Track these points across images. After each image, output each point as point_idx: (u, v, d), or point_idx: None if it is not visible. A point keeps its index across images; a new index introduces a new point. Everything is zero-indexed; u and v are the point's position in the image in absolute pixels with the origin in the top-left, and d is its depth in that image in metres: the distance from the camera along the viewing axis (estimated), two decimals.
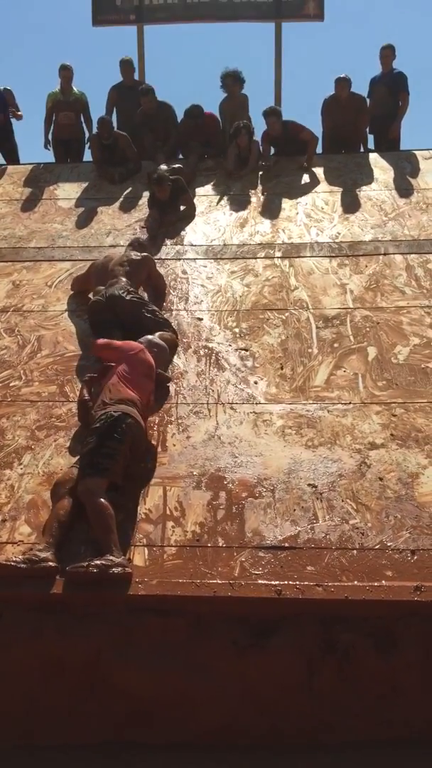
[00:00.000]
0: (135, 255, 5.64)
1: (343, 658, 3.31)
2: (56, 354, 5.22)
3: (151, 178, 6.94)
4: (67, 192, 7.62)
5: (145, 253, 5.78)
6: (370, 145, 8.41)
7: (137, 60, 9.40)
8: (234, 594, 3.36)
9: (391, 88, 8.12)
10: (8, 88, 8.41)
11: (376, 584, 3.38)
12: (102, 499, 3.64)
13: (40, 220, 7.13)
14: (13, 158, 8.58)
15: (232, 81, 8.19)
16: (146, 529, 3.76)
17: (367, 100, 8.16)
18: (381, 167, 7.67)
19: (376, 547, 3.61)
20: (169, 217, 6.85)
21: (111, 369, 4.29)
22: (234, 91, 8.25)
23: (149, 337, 4.74)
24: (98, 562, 3.38)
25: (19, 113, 8.46)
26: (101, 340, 4.64)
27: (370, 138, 8.44)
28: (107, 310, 5.16)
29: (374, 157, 7.92)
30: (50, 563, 3.44)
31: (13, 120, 8.51)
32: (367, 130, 8.33)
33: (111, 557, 3.42)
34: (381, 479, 4.03)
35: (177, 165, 7.38)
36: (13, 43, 23.13)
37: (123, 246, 6.17)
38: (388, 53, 8.11)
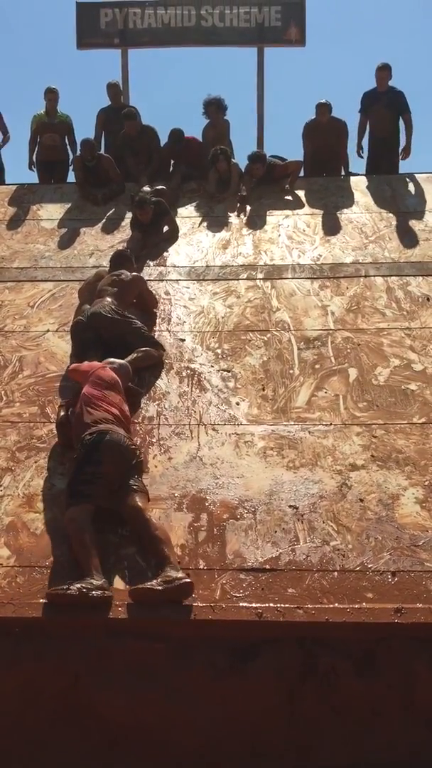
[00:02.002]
0: (125, 276, 5.64)
1: (324, 681, 3.30)
2: (38, 375, 5.21)
3: (134, 201, 6.98)
4: (51, 213, 7.64)
5: (135, 273, 5.80)
6: (358, 163, 8.52)
7: (121, 83, 9.51)
8: (215, 617, 3.34)
9: (392, 109, 8.17)
10: None
11: (356, 606, 3.39)
12: (85, 525, 3.62)
13: (23, 241, 7.14)
14: None
15: (215, 108, 8.30)
16: (127, 551, 3.74)
17: (347, 124, 8.26)
18: (362, 190, 7.78)
19: (357, 568, 3.62)
20: (152, 239, 6.89)
21: (82, 391, 4.29)
22: (217, 118, 8.35)
23: (109, 359, 4.72)
24: (78, 585, 3.35)
25: (7, 135, 8.52)
26: (71, 366, 4.72)
27: (359, 159, 8.56)
28: (89, 330, 5.16)
29: (355, 181, 8.03)
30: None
31: None
32: (365, 149, 8.42)
33: (91, 580, 3.39)
34: (362, 500, 4.05)
35: (160, 187, 7.44)
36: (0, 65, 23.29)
37: (105, 267, 6.17)
38: (384, 74, 8.12)
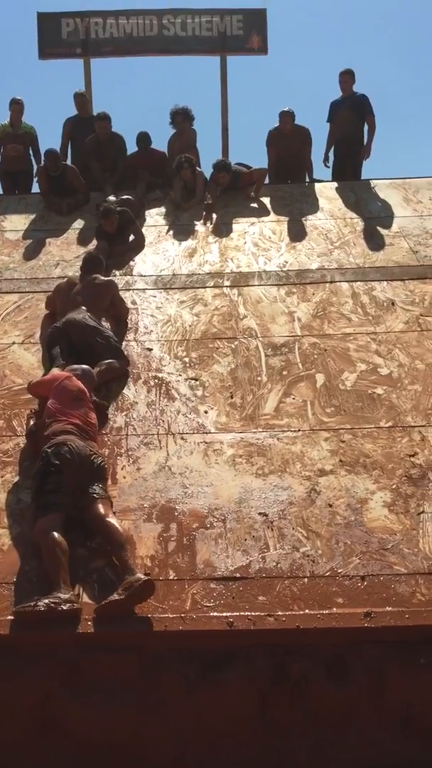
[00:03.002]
0: (98, 281, 5.65)
1: (296, 687, 3.30)
2: (3, 388, 5.15)
3: (99, 211, 6.96)
4: (15, 224, 7.58)
5: (108, 278, 5.80)
6: (323, 171, 8.61)
7: (85, 91, 9.48)
8: (185, 628, 3.33)
9: (355, 111, 8.27)
10: None
11: (327, 612, 3.40)
12: (55, 535, 3.59)
13: None
14: None
15: (182, 118, 8.34)
16: (96, 564, 3.70)
17: (311, 131, 8.35)
18: (326, 197, 7.85)
19: (327, 574, 3.63)
20: (118, 248, 6.87)
21: (47, 402, 4.28)
22: (184, 128, 8.38)
23: (71, 366, 4.72)
24: (46, 600, 3.32)
25: None
26: (32, 381, 4.69)
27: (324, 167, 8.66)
28: (63, 338, 5.14)
29: (320, 187, 8.10)
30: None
31: None
32: (330, 154, 8.50)
33: (59, 594, 3.36)
34: (330, 506, 4.06)
35: (125, 196, 7.43)
36: None
37: (69, 277, 6.14)
38: (347, 78, 8.29)
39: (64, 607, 3.32)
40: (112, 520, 3.74)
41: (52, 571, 3.48)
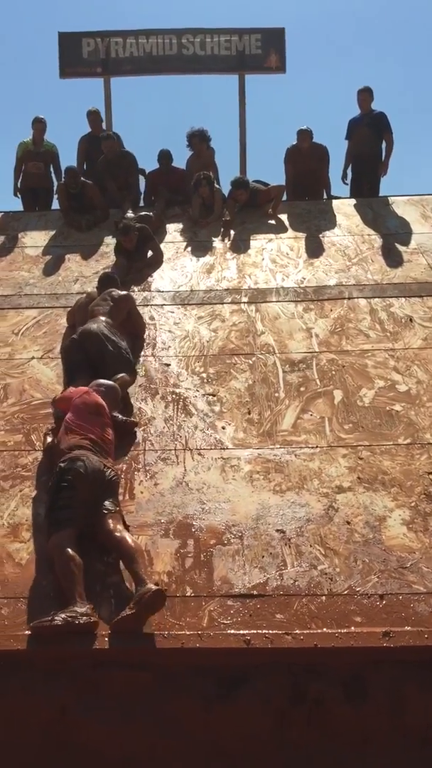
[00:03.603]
0: (115, 293, 5.70)
1: (313, 707, 3.27)
2: (22, 402, 5.19)
3: (118, 227, 7.02)
4: (35, 240, 7.67)
5: (125, 292, 5.85)
6: (341, 188, 8.64)
7: (104, 110, 9.63)
8: (202, 645, 3.31)
9: (373, 128, 8.32)
10: None
11: (345, 631, 3.37)
12: (69, 550, 3.59)
13: (8, 268, 7.16)
14: None
15: (199, 140, 8.42)
16: (113, 579, 3.70)
17: (328, 149, 8.40)
18: (344, 213, 7.87)
19: (345, 592, 3.60)
20: (137, 264, 6.92)
21: (65, 421, 4.30)
22: (201, 149, 8.46)
23: (96, 380, 4.74)
24: (63, 615, 3.32)
25: None
26: (57, 396, 4.71)
27: (341, 180, 8.69)
28: (79, 350, 5.18)
29: (337, 204, 8.13)
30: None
31: None
32: (349, 171, 8.54)
33: (75, 608, 3.36)
34: (348, 523, 4.04)
35: (144, 213, 7.49)
36: None
37: (88, 292, 6.19)
38: (365, 96, 8.35)
39: (81, 621, 3.32)
40: (123, 534, 3.74)
41: (67, 586, 3.49)
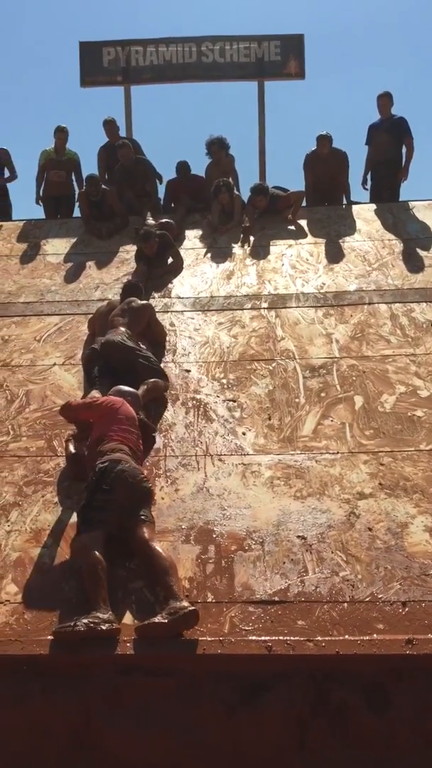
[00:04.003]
0: (135, 303, 5.72)
1: (336, 715, 3.24)
2: (44, 408, 5.23)
3: (138, 234, 7.07)
4: (56, 247, 7.74)
5: (145, 301, 5.87)
6: (360, 194, 8.64)
7: (125, 119, 9.74)
8: (224, 651, 3.30)
9: (393, 133, 8.31)
10: (5, 148, 8.66)
11: (367, 638, 3.34)
12: (96, 553, 3.60)
13: (29, 276, 7.23)
14: (6, 216, 8.75)
15: (218, 147, 8.46)
16: (135, 585, 3.71)
17: (348, 155, 8.39)
18: (364, 219, 7.85)
19: (367, 599, 3.58)
20: (157, 271, 6.95)
21: (95, 425, 4.30)
22: (219, 156, 8.50)
23: (119, 387, 4.75)
24: (85, 620, 3.33)
25: (14, 174, 8.67)
26: (75, 402, 4.64)
27: (360, 186, 8.68)
28: (100, 359, 5.21)
29: (357, 209, 8.11)
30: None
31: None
32: (368, 176, 8.53)
33: (98, 614, 3.37)
34: (370, 529, 4.02)
35: (164, 220, 7.53)
36: (6, 104, 23.79)
37: (109, 300, 6.25)
38: (385, 101, 8.34)
39: (103, 627, 3.32)
40: (157, 545, 3.74)
41: (91, 590, 3.50)
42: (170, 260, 7.12)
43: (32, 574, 3.82)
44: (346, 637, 3.35)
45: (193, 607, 3.40)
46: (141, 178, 8.28)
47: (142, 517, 3.86)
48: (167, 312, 6.38)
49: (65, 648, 3.32)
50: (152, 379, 5.10)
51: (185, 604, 3.40)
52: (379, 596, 3.58)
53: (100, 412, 4.37)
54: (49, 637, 3.38)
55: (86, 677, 3.31)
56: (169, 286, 6.85)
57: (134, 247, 7.31)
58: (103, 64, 9.96)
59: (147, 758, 3.27)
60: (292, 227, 7.76)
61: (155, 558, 3.65)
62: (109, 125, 8.87)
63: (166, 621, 3.33)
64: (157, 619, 3.36)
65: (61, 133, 8.66)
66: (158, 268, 6.99)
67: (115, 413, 4.33)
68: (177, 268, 7.09)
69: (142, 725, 3.27)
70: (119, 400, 4.51)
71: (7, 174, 8.76)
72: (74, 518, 4.11)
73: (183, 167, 8.40)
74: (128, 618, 3.52)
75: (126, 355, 5.20)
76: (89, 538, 3.69)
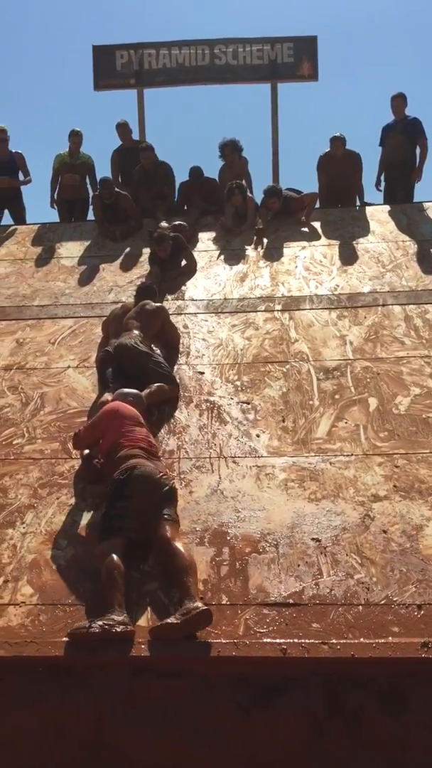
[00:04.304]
0: (148, 306, 5.73)
1: (351, 718, 3.24)
2: (59, 411, 5.25)
3: (152, 236, 7.09)
4: (70, 250, 7.78)
5: (159, 304, 5.89)
6: (374, 195, 8.61)
7: (137, 122, 9.76)
8: (238, 654, 3.30)
9: (407, 134, 8.30)
10: (19, 152, 8.72)
11: (382, 641, 3.33)
12: (114, 557, 3.62)
13: (44, 279, 7.27)
14: (20, 220, 8.81)
15: (231, 150, 8.47)
16: (149, 587, 3.72)
17: (361, 156, 8.38)
18: (377, 220, 7.83)
19: (382, 602, 3.56)
20: (171, 273, 6.97)
21: (105, 435, 4.33)
22: (233, 159, 8.50)
23: (121, 390, 4.75)
24: (100, 623, 3.34)
25: (29, 178, 8.73)
26: (80, 431, 4.57)
27: (374, 191, 8.67)
28: (114, 361, 5.23)
29: (371, 211, 8.09)
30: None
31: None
32: (382, 178, 8.51)
33: (112, 616, 3.38)
34: (385, 532, 4.00)
35: (177, 222, 7.55)
36: (21, 107, 23.94)
37: (124, 303, 6.28)
38: (399, 102, 8.33)
39: (118, 629, 3.33)
40: (179, 544, 3.75)
41: (108, 593, 3.51)
42: (184, 262, 7.14)
43: (47, 576, 3.84)
44: (361, 640, 3.34)
45: (205, 607, 3.40)
46: (160, 181, 8.30)
47: (165, 516, 3.88)
48: (181, 314, 6.39)
49: (80, 649, 3.33)
50: (157, 384, 5.10)
51: (198, 604, 3.41)
52: (394, 599, 3.57)
53: (105, 424, 4.39)
54: (64, 639, 3.39)
55: (101, 678, 3.33)
56: (183, 288, 6.86)
57: (148, 250, 7.33)
58: (116, 67, 9.98)
59: (160, 759, 3.28)
60: (306, 229, 7.76)
61: (175, 557, 3.66)
62: (122, 128, 8.90)
63: (178, 622, 3.34)
64: (170, 620, 3.37)
65: (75, 137, 8.70)
66: (172, 270, 7.01)
67: (118, 417, 4.36)
68: (190, 270, 7.10)
69: (156, 727, 3.27)
70: (117, 403, 4.53)
71: (22, 177, 8.80)
72: (89, 520, 4.13)
73: (195, 171, 8.43)
74: (143, 620, 3.53)
75: (138, 359, 5.21)
76: (109, 545, 3.73)
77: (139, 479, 3.93)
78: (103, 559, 3.64)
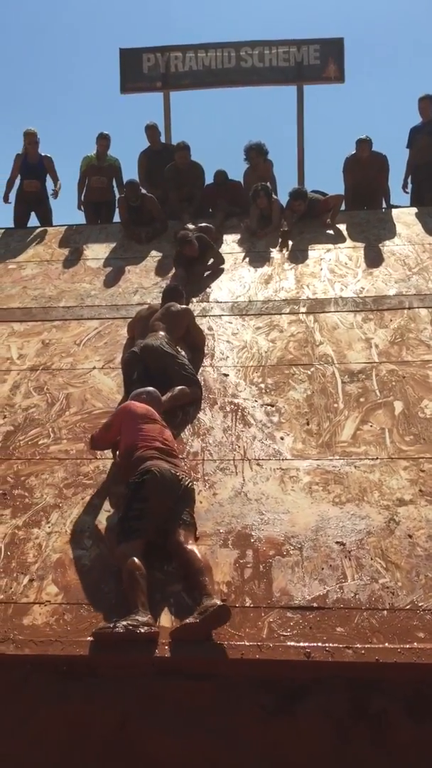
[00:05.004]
0: (174, 308, 5.75)
1: (375, 723, 3.22)
2: (84, 411, 5.29)
3: (176, 238, 7.11)
4: (96, 252, 7.83)
5: (184, 306, 5.91)
6: (400, 198, 8.56)
7: (164, 124, 9.78)
8: (262, 656, 3.29)
9: None
10: (49, 155, 8.79)
11: (407, 646, 3.30)
12: (135, 560, 3.63)
13: (70, 280, 7.32)
14: (47, 222, 8.88)
15: (256, 153, 8.46)
16: (173, 588, 3.72)
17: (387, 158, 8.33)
18: (404, 222, 7.78)
19: (407, 607, 3.54)
20: (199, 269, 6.98)
21: (122, 436, 4.36)
22: (257, 162, 8.49)
23: (136, 390, 4.78)
24: (124, 623, 3.35)
25: (59, 183, 8.79)
26: (95, 434, 4.61)
27: (401, 189, 8.63)
28: (139, 363, 5.25)
29: (397, 213, 8.04)
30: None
31: (48, 186, 8.86)
32: (409, 180, 8.46)
33: (136, 617, 3.39)
34: (410, 536, 3.97)
35: (203, 224, 7.57)
36: (49, 111, 24.17)
37: (150, 304, 6.31)
38: (426, 104, 8.30)
39: (142, 630, 3.34)
40: (193, 547, 3.76)
41: (131, 594, 3.52)
42: (211, 261, 7.15)
43: (72, 576, 3.86)
44: (386, 644, 3.32)
45: (222, 603, 3.40)
46: (191, 182, 8.32)
47: (183, 519, 3.89)
48: (205, 316, 6.40)
49: (104, 649, 3.35)
50: (180, 387, 5.10)
51: (215, 600, 3.41)
52: (420, 604, 3.54)
53: (118, 424, 4.41)
54: (89, 638, 3.40)
55: (125, 679, 3.34)
56: (207, 290, 6.87)
57: (173, 252, 7.34)
58: (143, 70, 10.02)
59: (183, 761, 3.28)
60: (331, 231, 7.73)
61: (189, 561, 3.68)
62: (151, 130, 8.93)
63: (198, 621, 3.35)
64: (189, 620, 3.38)
65: (103, 140, 8.76)
66: (199, 266, 7.01)
67: (131, 417, 4.37)
68: (218, 265, 7.12)
69: (180, 729, 3.27)
70: (129, 403, 4.56)
71: (49, 182, 8.86)
72: (114, 521, 4.15)
73: (220, 175, 8.42)
74: (167, 621, 3.53)
75: (163, 360, 5.23)
76: (128, 547, 3.74)
77: (155, 481, 3.94)
78: (124, 561, 3.66)
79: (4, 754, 3.34)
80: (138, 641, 3.33)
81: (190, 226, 7.44)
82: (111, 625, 3.36)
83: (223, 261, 7.18)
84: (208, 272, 7.04)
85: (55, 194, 8.80)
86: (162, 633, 3.42)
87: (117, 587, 3.68)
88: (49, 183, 8.88)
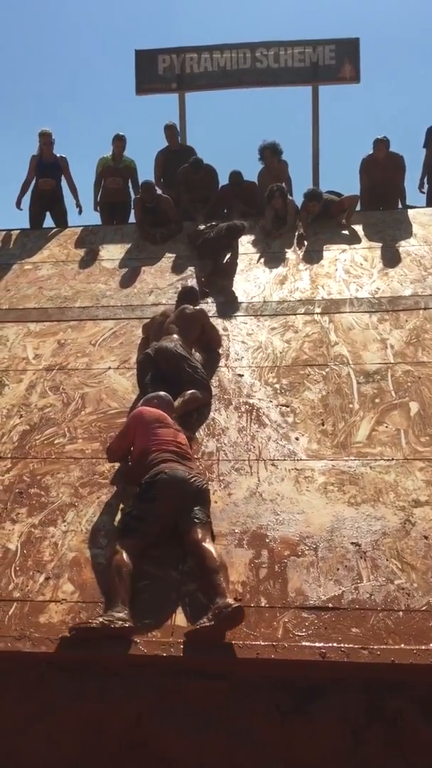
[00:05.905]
0: (188, 310, 5.76)
1: (391, 725, 3.20)
2: (99, 411, 5.31)
3: (197, 231, 7.15)
4: (111, 253, 7.85)
5: (198, 307, 5.92)
6: (416, 198, 8.53)
7: (179, 125, 9.78)
8: (277, 656, 3.29)
9: None
10: (64, 156, 8.83)
11: (423, 648, 3.29)
12: (124, 556, 3.68)
13: (85, 281, 7.35)
14: (62, 222, 8.92)
15: (270, 153, 8.46)
16: (189, 588, 3.73)
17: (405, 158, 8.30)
18: (420, 223, 7.75)
19: (423, 608, 3.52)
20: (224, 262, 7.09)
21: (135, 442, 4.39)
22: (272, 162, 8.49)
23: (147, 395, 4.80)
24: (100, 618, 3.40)
25: (73, 189, 8.85)
26: (111, 444, 4.64)
27: (417, 189, 8.58)
28: (153, 365, 5.26)
29: (413, 213, 8.01)
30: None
31: (63, 185, 8.91)
32: (425, 180, 8.43)
33: (113, 612, 3.43)
34: (426, 538, 3.96)
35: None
36: (64, 111, 24.29)
37: (164, 305, 6.33)
38: None
39: (116, 625, 3.36)
40: (209, 545, 3.76)
41: (111, 590, 3.58)
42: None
43: (88, 574, 3.88)
44: (402, 646, 3.31)
45: (237, 604, 3.40)
46: (205, 184, 8.33)
47: (196, 518, 3.89)
48: (220, 317, 6.39)
49: (80, 645, 3.35)
50: (191, 391, 5.10)
51: (229, 601, 3.41)
52: None
53: (132, 432, 4.43)
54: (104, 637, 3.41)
55: (141, 678, 3.34)
56: (222, 290, 6.87)
57: (188, 253, 7.37)
58: (158, 71, 10.05)
59: (197, 760, 3.27)
60: (346, 232, 7.71)
61: (205, 559, 3.67)
62: (170, 130, 8.95)
63: (213, 623, 3.35)
64: (204, 621, 3.38)
65: (119, 141, 8.79)
66: (228, 254, 7.13)
67: (144, 422, 4.39)
68: (233, 260, 7.21)
69: (194, 728, 3.28)
70: (141, 408, 4.57)
71: (64, 182, 8.91)
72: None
73: (235, 176, 8.41)
74: (182, 620, 3.54)
75: (176, 362, 5.23)
76: (122, 544, 3.78)
77: (166, 482, 3.96)
78: (116, 557, 3.70)
79: (20, 751, 3.36)
80: (112, 636, 3.35)
81: (202, 227, 7.48)
82: (89, 621, 3.41)
83: (237, 253, 7.26)
84: (232, 264, 7.08)
85: (79, 210, 8.89)
86: (177, 633, 3.43)
87: (132, 585, 3.68)
88: (64, 184, 8.92)
